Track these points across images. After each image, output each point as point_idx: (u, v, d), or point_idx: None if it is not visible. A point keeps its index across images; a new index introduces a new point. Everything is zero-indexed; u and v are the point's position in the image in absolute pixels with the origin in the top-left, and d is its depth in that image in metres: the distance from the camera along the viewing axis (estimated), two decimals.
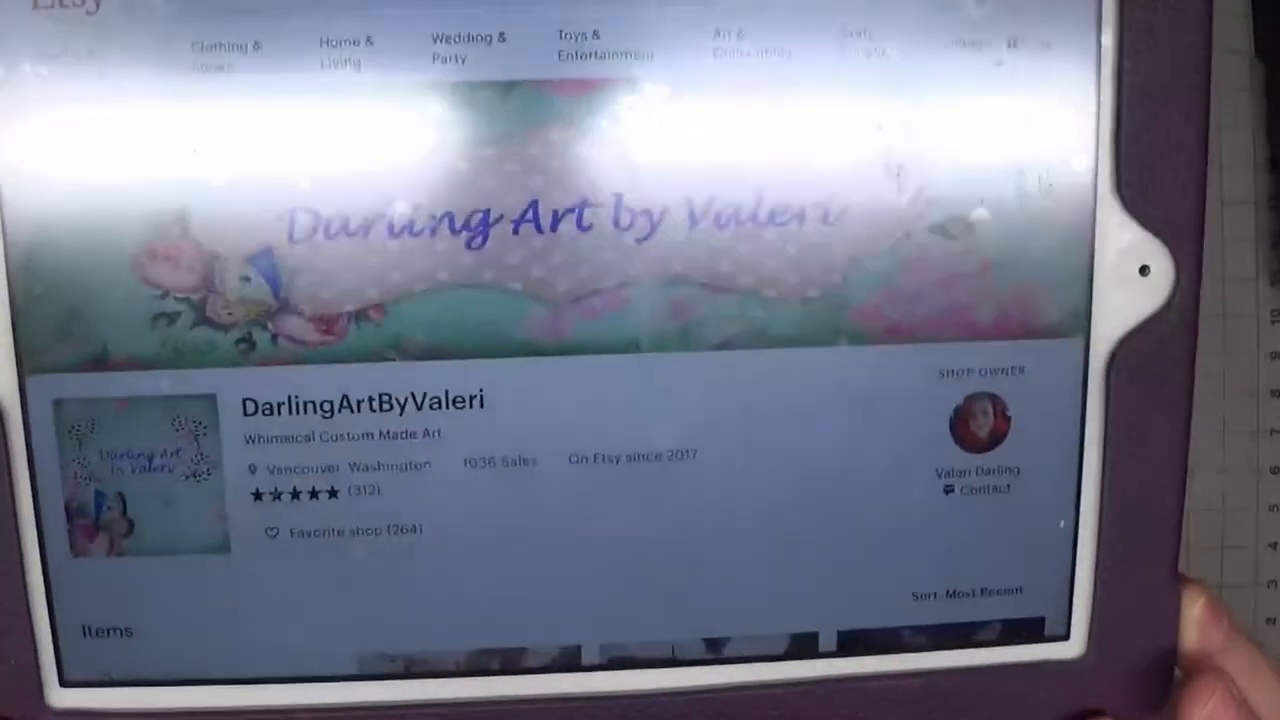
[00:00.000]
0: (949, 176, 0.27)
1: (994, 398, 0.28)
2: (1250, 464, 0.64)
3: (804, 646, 0.29)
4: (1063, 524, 0.29)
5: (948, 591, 0.29)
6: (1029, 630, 0.29)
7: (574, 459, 0.28)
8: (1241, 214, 0.66)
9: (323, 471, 0.27)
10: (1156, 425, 0.28)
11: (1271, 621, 0.64)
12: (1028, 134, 0.27)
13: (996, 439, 0.28)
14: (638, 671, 0.29)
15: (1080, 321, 0.28)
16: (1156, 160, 0.27)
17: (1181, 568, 0.53)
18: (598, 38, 0.26)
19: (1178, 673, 0.30)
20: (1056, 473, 0.29)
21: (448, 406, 0.27)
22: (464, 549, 0.28)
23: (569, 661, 0.29)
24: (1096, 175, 0.27)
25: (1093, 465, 0.29)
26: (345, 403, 0.27)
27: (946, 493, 0.29)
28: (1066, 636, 0.29)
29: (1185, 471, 0.29)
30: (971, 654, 0.29)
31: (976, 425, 0.28)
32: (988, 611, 0.29)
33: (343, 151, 0.26)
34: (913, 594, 0.29)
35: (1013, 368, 0.28)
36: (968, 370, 0.28)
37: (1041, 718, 0.30)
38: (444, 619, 0.28)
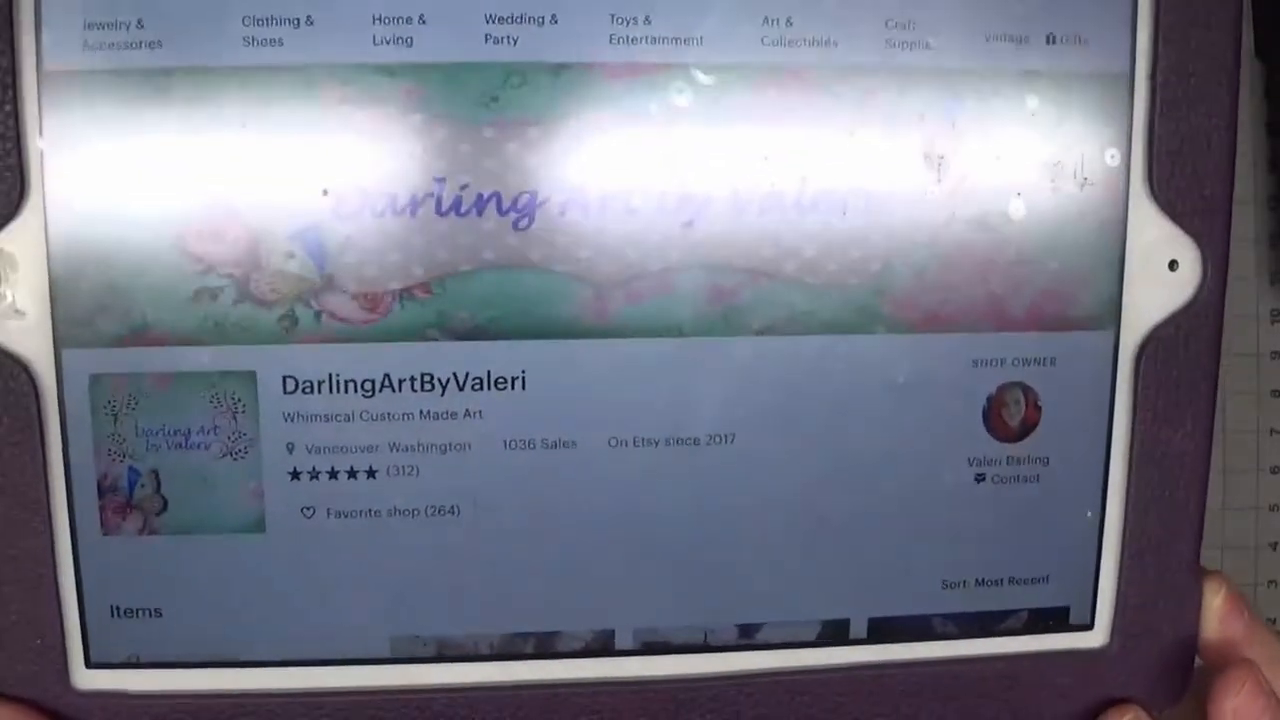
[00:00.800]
0: (988, 169, 0.28)
1: (1026, 388, 0.29)
2: (1250, 464, 0.65)
3: (835, 633, 0.29)
4: (1090, 514, 0.29)
5: (976, 580, 0.29)
6: (1054, 620, 0.30)
7: (613, 442, 0.28)
8: (1242, 214, 0.61)
9: (362, 451, 0.27)
10: (1182, 418, 0.29)
11: (1272, 621, 0.64)
12: (1064, 128, 0.28)
13: (1027, 429, 0.29)
14: (671, 657, 0.29)
15: (1110, 314, 0.29)
16: (1187, 157, 0.28)
17: None
18: (649, 23, 0.26)
19: (1198, 662, 0.31)
20: (1085, 463, 0.29)
21: (489, 388, 0.27)
22: (501, 531, 0.28)
23: (602, 646, 0.29)
24: (1129, 171, 0.28)
25: (1119, 456, 0.29)
26: (387, 382, 0.27)
27: (978, 481, 0.29)
28: (1091, 626, 0.30)
29: (1208, 464, 0.30)
30: (998, 642, 0.30)
31: (1008, 414, 0.29)
32: (1015, 600, 0.30)
33: (392, 129, 0.26)
34: (942, 582, 0.29)
35: (1044, 358, 0.29)
36: (1000, 360, 0.28)
37: (1066, 706, 0.30)
38: (478, 602, 0.28)
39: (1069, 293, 0.28)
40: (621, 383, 0.28)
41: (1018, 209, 0.28)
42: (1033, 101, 0.28)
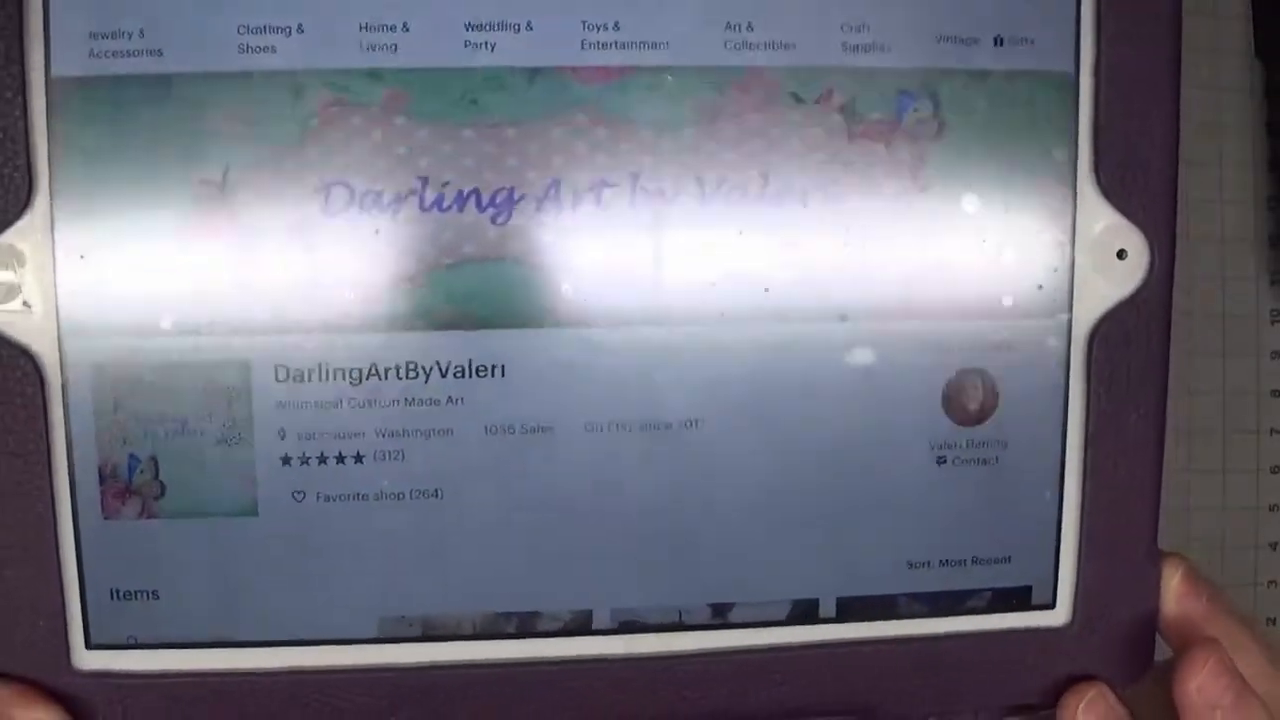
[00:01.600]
0: (945, 165, 0.29)
1: (983, 374, 0.30)
2: (1250, 464, 0.65)
3: (805, 612, 0.30)
4: (1048, 495, 0.31)
5: (940, 560, 0.31)
6: (1017, 599, 0.31)
7: (589, 427, 0.29)
8: (1242, 214, 0.66)
9: (350, 437, 0.29)
10: (1135, 401, 0.30)
11: (1272, 621, 0.65)
12: (1013, 125, 0.30)
13: (986, 413, 0.30)
14: (647, 635, 0.30)
15: (1063, 302, 0.30)
16: (1132, 151, 0.30)
17: None
18: (618, 29, 0.28)
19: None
20: (1042, 445, 0.30)
21: (471, 375, 0.29)
22: (482, 514, 0.29)
23: (581, 625, 0.30)
24: (1076, 165, 0.30)
25: (1076, 439, 0.30)
26: (374, 370, 0.28)
27: (939, 464, 0.30)
28: (1052, 605, 0.31)
29: (1162, 446, 0.31)
30: (963, 621, 0.31)
31: (967, 399, 0.30)
32: (978, 580, 0.31)
33: (378, 130, 0.28)
34: (908, 562, 0.31)
35: (1001, 345, 0.30)
36: (959, 347, 0.30)
37: (1030, 683, 0.31)
38: (461, 582, 0.29)
39: (1023, 283, 0.30)
40: (597, 370, 0.29)
41: (972, 203, 0.29)
42: (983, 99, 0.29)
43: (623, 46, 0.28)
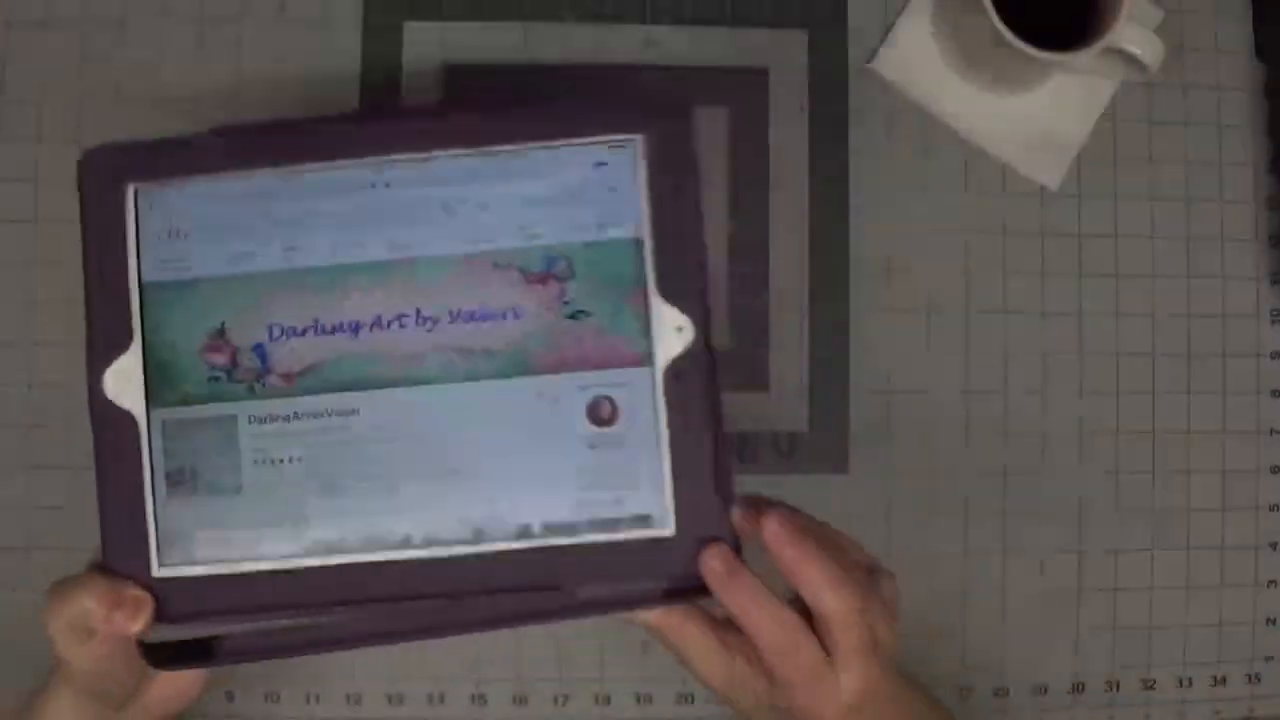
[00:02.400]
0: (577, 292, 0.56)
1: (610, 398, 0.56)
2: (1250, 464, 0.68)
3: (523, 532, 0.56)
4: (654, 462, 0.56)
5: (598, 500, 0.56)
6: (643, 520, 0.56)
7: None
8: (1242, 214, 0.68)
9: (291, 448, 0.56)
10: (693, 411, 0.56)
11: (1272, 622, 0.69)
12: (614, 266, 0.56)
13: (613, 420, 0.56)
14: (431, 548, 0.56)
15: (650, 357, 0.56)
16: (676, 276, 0.56)
17: (1181, 565, 0.70)
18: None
19: None
20: (648, 435, 0.56)
21: (348, 413, 0.57)
22: (354, 480, 0.56)
23: (400, 543, 0.56)
24: (648, 284, 0.56)
25: (664, 430, 0.56)
26: (296, 414, 0.57)
27: (591, 448, 0.56)
28: (665, 525, 0.56)
29: (717, 430, 0.56)
30: (614, 535, 0.56)
31: (602, 412, 0.56)
32: (621, 510, 0.56)
33: (295, 300, 0.57)
34: (578, 500, 0.56)
35: (619, 383, 0.56)
36: (596, 384, 0.56)
37: (656, 569, 0.56)
38: (352, 522, 0.57)
39: (626, 349, 0.56)
40: (402, 399, 0.56)
41: (596, 310, 0.56)
42: (595, 256, 0.56)
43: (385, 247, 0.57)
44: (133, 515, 0.55)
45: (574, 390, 0.56)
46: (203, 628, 0.54)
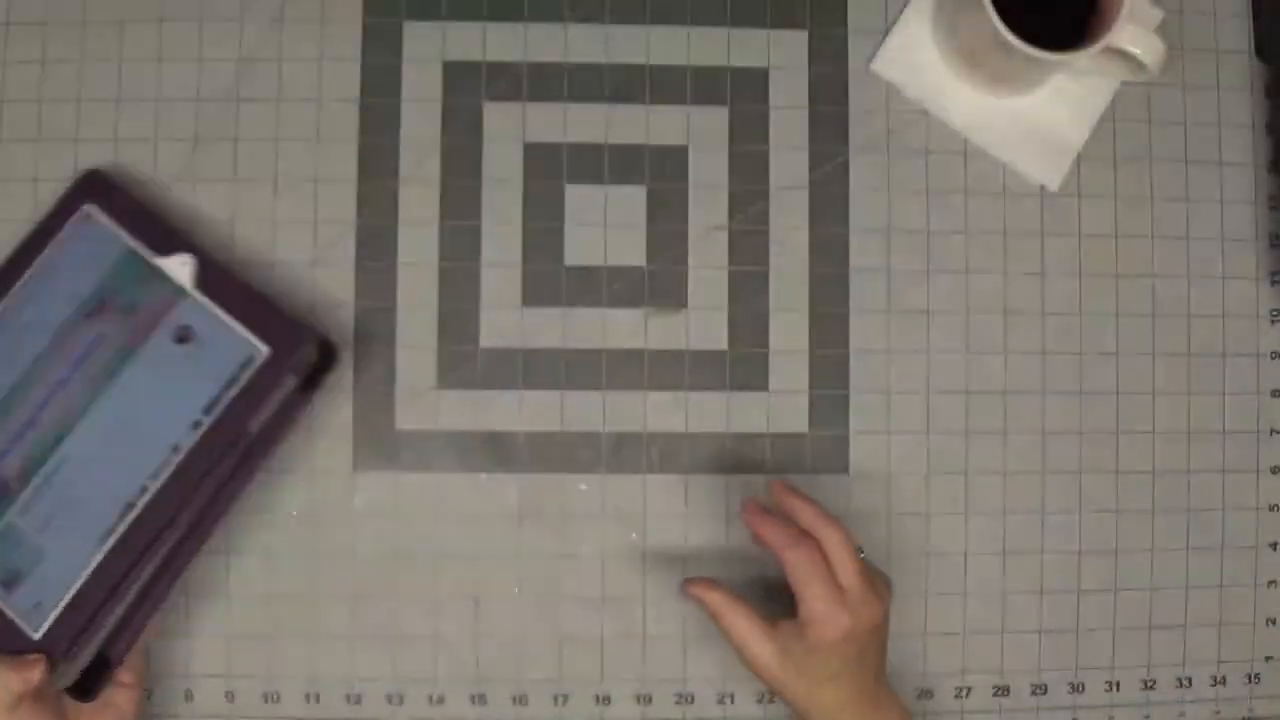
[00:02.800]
0: None
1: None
2: (1250, 464, 0.68)
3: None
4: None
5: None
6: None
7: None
8: (1242, 214, 0.68)
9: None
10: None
11: (1272, 622, 0.69)
12: None
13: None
14: None
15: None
16: None
17: (1180, 566, 0.70)
18: None
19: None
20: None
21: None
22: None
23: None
24: None
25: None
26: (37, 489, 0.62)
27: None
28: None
29: None
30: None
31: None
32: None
33: None
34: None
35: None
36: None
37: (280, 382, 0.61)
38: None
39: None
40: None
41: None
42: None
43: None
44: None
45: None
46: (88, 642, 0.61)
